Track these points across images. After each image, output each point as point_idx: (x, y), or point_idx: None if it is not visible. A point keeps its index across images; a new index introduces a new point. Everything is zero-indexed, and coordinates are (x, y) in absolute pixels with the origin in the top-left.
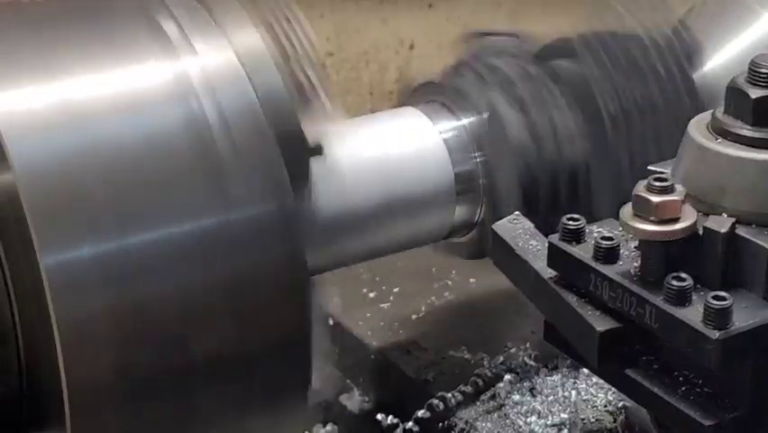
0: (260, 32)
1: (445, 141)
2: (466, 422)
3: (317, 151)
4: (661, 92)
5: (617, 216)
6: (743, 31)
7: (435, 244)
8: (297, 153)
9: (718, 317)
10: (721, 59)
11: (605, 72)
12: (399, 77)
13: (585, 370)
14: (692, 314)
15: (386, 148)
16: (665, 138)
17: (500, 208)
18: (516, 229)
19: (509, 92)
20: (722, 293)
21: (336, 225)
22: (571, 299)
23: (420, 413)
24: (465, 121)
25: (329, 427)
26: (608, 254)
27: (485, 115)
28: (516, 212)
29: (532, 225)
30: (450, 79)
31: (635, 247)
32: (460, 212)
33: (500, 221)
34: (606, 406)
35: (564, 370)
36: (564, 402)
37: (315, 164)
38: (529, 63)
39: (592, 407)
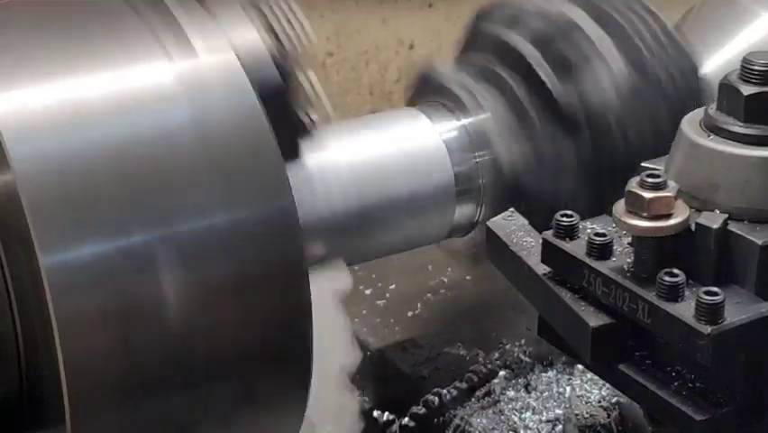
0: (259, 31)
1: (445, 141)
2: (461, 418)
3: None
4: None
5: (610, 213)
6: (742, 31)
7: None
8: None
9: (710, 313)
10: (721, 58)
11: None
12: (399, 77)
13: (579, 366)
14: (685, 309)
15: (386, 148)
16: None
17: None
18: (511, 226)
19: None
20: (714, 289)
21: (336, 225)
22: (565, 294)
23: (416, 409)
24: (465, 121)
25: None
26: (602, 250)
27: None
28: (511, 209)
29: (526, 221)
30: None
31: (629, 243)
32: (460, 212)
33: (495, 218)
34: (600, 402)
35: (559, 366)
36: (559, 398)
37: (316, 164)
38: None
39: (586, 403)
